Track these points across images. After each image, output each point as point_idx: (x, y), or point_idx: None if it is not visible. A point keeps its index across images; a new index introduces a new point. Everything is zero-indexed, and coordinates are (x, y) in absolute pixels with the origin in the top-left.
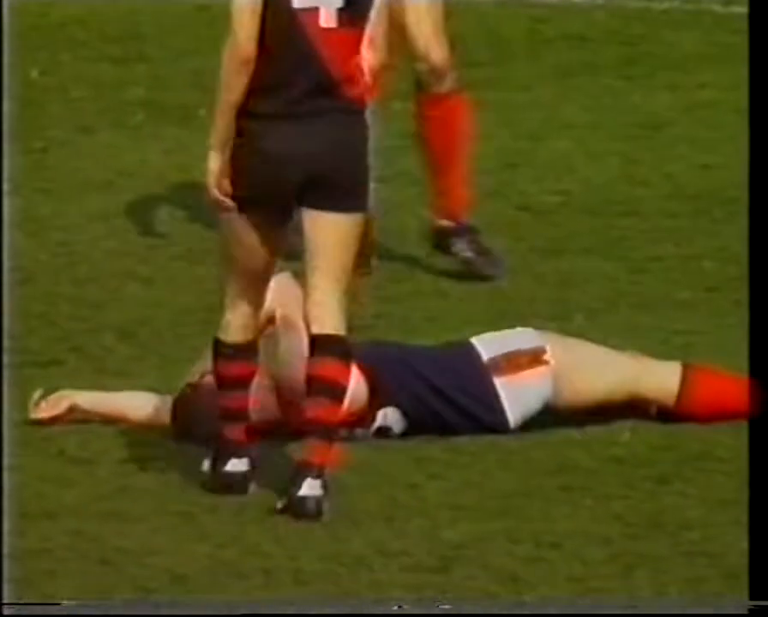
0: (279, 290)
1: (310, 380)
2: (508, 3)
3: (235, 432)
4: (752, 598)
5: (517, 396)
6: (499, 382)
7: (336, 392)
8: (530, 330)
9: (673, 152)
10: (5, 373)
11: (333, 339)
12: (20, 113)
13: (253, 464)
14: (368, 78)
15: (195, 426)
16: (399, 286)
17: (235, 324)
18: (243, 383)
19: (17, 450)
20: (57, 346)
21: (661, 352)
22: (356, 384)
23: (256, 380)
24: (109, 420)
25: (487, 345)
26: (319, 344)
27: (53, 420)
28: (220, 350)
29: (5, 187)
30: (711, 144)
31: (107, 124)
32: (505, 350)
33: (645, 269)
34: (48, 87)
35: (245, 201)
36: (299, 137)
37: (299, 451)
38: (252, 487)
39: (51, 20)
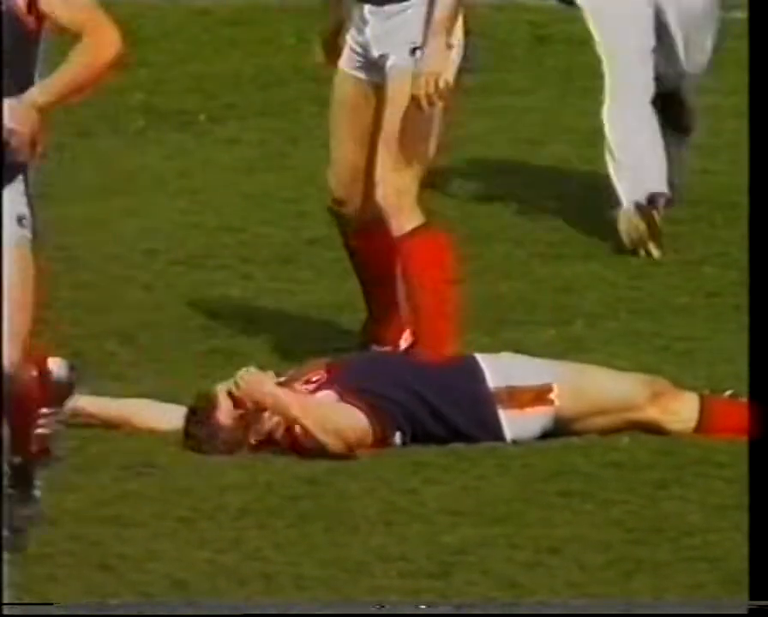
0: None
1: None
2: (508, 7)
3: None
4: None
5: (517, 425)
6: (500, 413)
7: None
8: (538, 361)
9: None
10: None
11: None
12: None
13: None
14: None
15: (212, 438)
16: None
17: None
18: None
19: None
20: (57, 352)
21: (661, 358)
22: (361, 430)
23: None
24: (111, 425)
25: (492, 370)
26: None
27: None
28: None
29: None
30: (711, 149)
31: (107, 129)
32: (510, 383)
33: (645, 274)
34: None
35: None
36: None
37: (296, 459)
38: None
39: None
